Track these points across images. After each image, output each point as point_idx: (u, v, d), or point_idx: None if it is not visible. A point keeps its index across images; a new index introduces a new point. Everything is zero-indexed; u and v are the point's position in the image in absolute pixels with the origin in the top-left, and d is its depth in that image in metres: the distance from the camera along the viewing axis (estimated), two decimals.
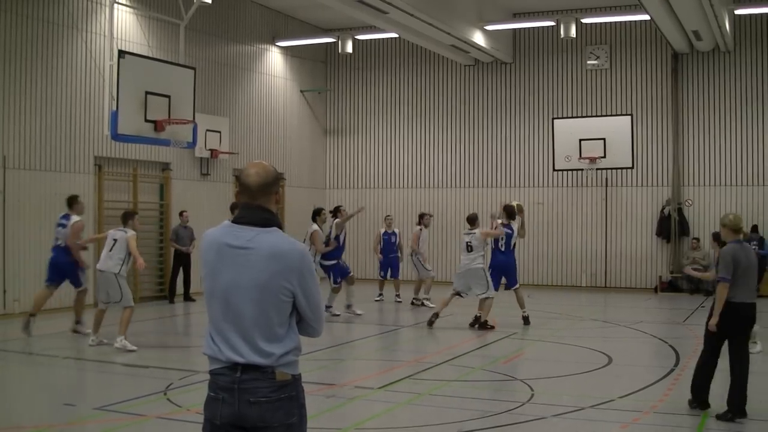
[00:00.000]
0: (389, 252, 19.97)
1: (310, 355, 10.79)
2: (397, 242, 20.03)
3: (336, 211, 17.34)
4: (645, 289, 22.92)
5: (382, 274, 20.11)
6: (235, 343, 4.02)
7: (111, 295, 13.10)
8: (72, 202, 14.43)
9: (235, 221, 4.17)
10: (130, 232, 13.10)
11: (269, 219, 4.14)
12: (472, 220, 15.94)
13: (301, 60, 26.12)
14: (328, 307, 16.80)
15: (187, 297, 19.71)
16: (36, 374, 11.34)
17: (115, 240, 13.16)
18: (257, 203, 4.15)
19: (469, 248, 15.56)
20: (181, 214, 19.65)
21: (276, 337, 4.04)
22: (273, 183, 4.19)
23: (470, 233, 15.70)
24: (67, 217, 14.28)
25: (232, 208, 14.43)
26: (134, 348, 12.73)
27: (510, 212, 16.02)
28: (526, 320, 15.95)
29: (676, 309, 19.23)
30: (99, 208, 18.58)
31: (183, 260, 19.51)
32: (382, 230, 20.18)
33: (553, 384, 10.79)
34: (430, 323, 15.59)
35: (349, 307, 17.21)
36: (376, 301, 19.84)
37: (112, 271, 13.00)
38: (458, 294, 15.70)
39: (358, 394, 10.16)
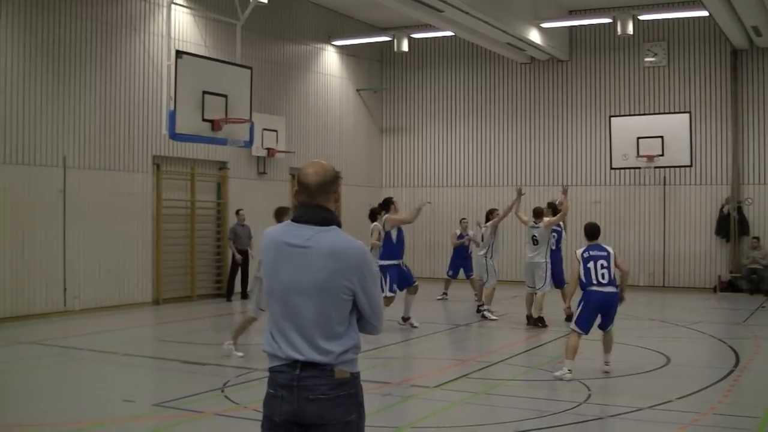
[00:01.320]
0: (462, 253, 19.84)
1: (365, 353, 10.79)
2: (470, 245, 19.80)
3: (386, 204, 15.16)
4: (704, 288, 22.58)
5: (450, 273, 19.95)
6: (294, 341, 4.04)
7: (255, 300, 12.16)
8: (281, 213, 12.59)
9: (294, 220, 4.18)
10: None
11: (328, 218, 4.14)
12: (538, 213, 15.87)
13: (356, 59, 26.20)
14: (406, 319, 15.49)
15: (245, 295, 19.84)
16: (96, 370, 11.52)
17: None
18: (316, 202, 4.15)
19: (535, 241, 15.62)
20: (237, 212, 19.82)
21: (335, 335, 4.05)
22: (332, 182, 4.20)
23: (536, 227, 15.70)
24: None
25: (277, 215, 13.41)
26: (241, 354, 11.92)
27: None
28: (569, 318, 15.97)
29: (736, 309, 18.91)
30: (157, 206, 18.83)
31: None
32: (458, 231, 20.02)
33: (610, 384, 10.71)
34: (533, 324, 15.58)
35: (406, 319, 15.48)
36: (438, 300, 19.77)
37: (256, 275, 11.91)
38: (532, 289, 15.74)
39: (414, 393, 10.18)
